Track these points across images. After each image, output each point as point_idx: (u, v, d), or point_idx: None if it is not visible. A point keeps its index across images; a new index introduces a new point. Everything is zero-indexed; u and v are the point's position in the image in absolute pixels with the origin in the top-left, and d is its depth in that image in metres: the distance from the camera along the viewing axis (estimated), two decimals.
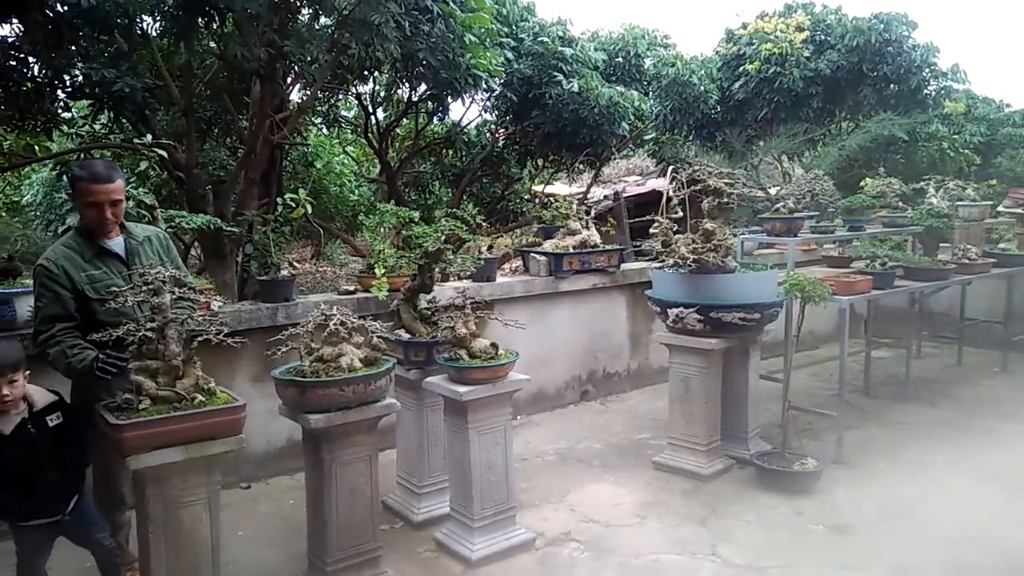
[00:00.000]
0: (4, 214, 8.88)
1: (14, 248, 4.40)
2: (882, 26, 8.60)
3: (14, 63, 5.30)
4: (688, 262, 4.67)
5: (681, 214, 6.91)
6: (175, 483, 2.83)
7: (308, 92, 7.03)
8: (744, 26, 9.28)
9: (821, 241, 6.78)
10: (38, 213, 9.87)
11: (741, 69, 8.93)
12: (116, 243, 3.27)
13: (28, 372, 3.00)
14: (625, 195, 9.99)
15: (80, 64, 5.05)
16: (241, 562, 3.79)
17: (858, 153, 8.77)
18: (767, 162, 9.53)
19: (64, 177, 7.21)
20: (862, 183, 7.12)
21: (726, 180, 4.83)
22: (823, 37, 9.05)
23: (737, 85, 8.98)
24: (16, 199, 10.08)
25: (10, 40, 5.20)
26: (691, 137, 9.86)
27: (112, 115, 5.40)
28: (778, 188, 8.01)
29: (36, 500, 3.03)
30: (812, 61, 8.73)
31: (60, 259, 3.13)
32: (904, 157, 9.38)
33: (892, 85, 8.84)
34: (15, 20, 4.84)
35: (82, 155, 7.43)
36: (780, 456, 4.80)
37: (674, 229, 5.07)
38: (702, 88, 8.90)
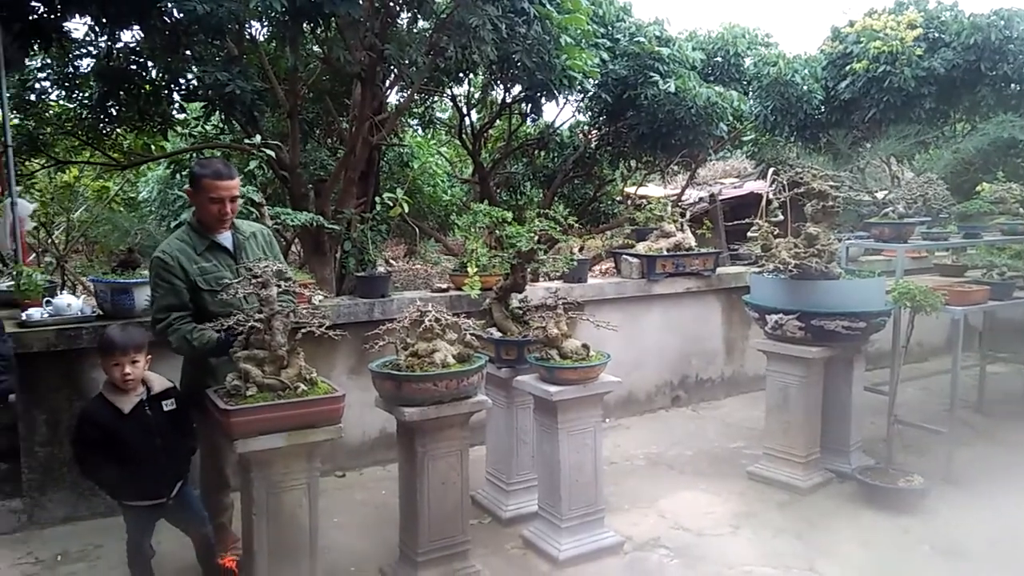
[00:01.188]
0: (122, 209, 9.44)
1: (133, 241, 4.66)
2: (1003, 22, 8.09)
3: (134, 67, 5.67)
4: (789, 267, 4.51)
5: (782, 217, 6.70)
6: (278, 468, 2.94)
7: (405, 94, 7.20)
8: (851, 24, 8.90)
9: (933, 248, 6.43)
10: (153, 208, 10.48)
11: (848, 68, 8.57)
12: (225, 237, 3.43)
13: (150, 356, 3.19)
14: (721, 197, 9.77)
15: (194, 68, 5.33)
16: (335, 548, 3.90)
17: (974, 156, 8.27)
18: (874, 165, 9.12)
19: (178, 175, 7.64)
20: (978, 188, 6.70)
21: (831, 183, 4.64)
22: (937, 34, 8.58)
23: (843, 85, 8.62)
24: (133, 195, 10.72)
25: (131, 45, 5.56)
26: (793, 138, 9.54)
27: (223, 116, 5.66)
28: (886, 192, 7.64)
29: (145, 482, 3.18)
30: (925, 59, 8.29)
31: (175, 252, 3.29)
32: None
33: (1013, 85, 8.29)
34: (136, 26, 5.15)
35: (195, 154, 7.85)
36: (884, 472, 4.57)
37: (775, 233, 4.92)
38: (805, 88, 8.60)
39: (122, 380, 3.08)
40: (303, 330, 3.04)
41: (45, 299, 4.22)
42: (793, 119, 8.91)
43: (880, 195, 7.82)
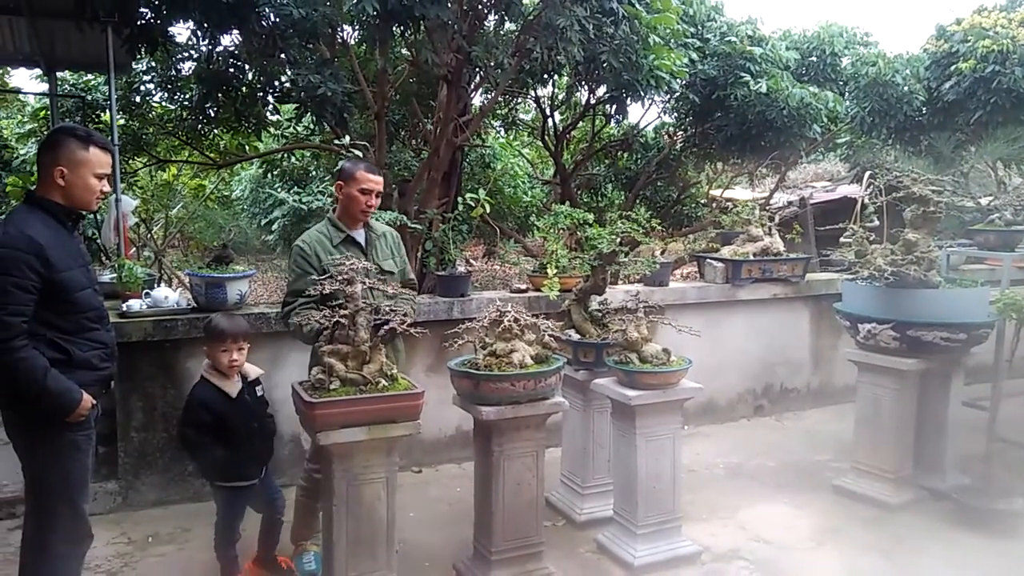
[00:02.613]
0: (216, 207, 9.88)
1: (227, 237, 4.86)
2: None
3: (232, 70, 5.91)
4: (885, 274, 4.32)
5: (877, 223, 6.41)
6: (358, 461, 3.01)
7: (490, 96, 7.24)
8: (959, 22, 8.44)
9: None
10: (245, 207, 10.94)
11: (953, 68, 8.12)
12: (359, 234, 3.69)
13: (249, 345, 3.39)
14: (812, 201, 9.45)
15: (288, 70, 5.51)
16: (411, 542, 3.97)
17: None
18: (979, 170, 8.62)
19: (269, 175, 7.93)
20: None
21: (932, 187, 4.42)
22: None
23: (947, 85, 8.17)
24: (227, 193, 11.21)
25: (230, 49, 5.79)
26: (891, 141, 9.11)
27: (314, 118, 5.84)
28: (991, 198, 7.22)
29: (243, 463, 3.37)
30: None
31: (313, 242, 3.56)
32: None
33: None
34: (235, 30, 5.36)
35: (287, 155, 8.13)
36: (982, 492, 4.32)
37: (870, 239, 4.72)
38: (906, 88, 8.21)
39: (228, 366, 3.31)
40: (386, 327, 3.10)
41: (144, 291, 4.46)
42: (892, 121, 8.50)
43: (985, 201, 7.40)
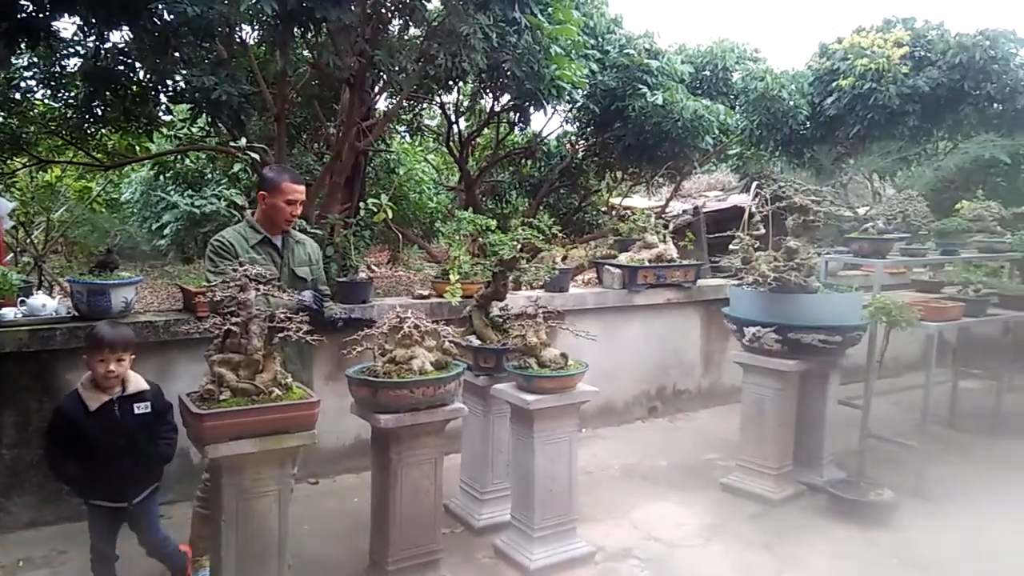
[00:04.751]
0: (104, 210, 9.40)
1: (112, 242, 4.65)
2: (988, 43, 8.20)
3: (122, 68, 5.65)
4: (768, 280, 4.57)
5: (763, 231, 6.75)
6: (249, 474, 2.94)
7: (394, 101, 7.20)
8: (839, 41, 9.00)
9: (911, 264, 6.50)
10: (135, 210, 10.43)
11: (834, 84, 8.66)
12: (276, 238, 3.78)
13: (133, 356, 3.22)
14: (705, 210, 9.82)
15: (183, 70, 5.33)
16: (306, 555, 3.91)
17: (955, 174, 8.38)
18: (857, 181, 9.21)
19: (161, 177, 7.60)
20: (958, 206, 6.79)
21: (812, 197, 4.70)
22: (923, 53, 8.69)
23: (829, 101, 8.70)
24: (115, 196, 10.67)
25: (120, 46, 5.54)
26: (778, 153, 9.62)
27: (210, 119, 5.66)
28: (867, 208, 7.72)
29: (107, 482, 3.17)
30: (910, 78, 8.39)
31: (230, 238, 3.64)
32: (1006, 180, 8.90)
33: (996, 105, 8.40)
34: (125, 27, 5.14)
35: (180, 156, 7.82)
36: (855, 485, 4.62)
37: (755, 246, 4.97)
38: (792, 103, 8.67)
39: (104, 376, 3.12)
40: (280, 335, 3.04)
41: (20, 299, 4.21)
42: (778, 134, 8.98)
43: (861, 211, 7.90)
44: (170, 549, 3.47)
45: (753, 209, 7.99)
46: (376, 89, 6.77)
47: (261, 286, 3.05)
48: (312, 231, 5.51)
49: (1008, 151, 8.14)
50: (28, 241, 8.18)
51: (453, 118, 8.86)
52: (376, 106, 7.56)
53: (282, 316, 3.00)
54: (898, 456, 5.28)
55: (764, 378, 4.78)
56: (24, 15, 4.78)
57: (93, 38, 5.35)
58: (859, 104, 8.46)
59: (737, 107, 9.10)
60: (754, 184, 9.30)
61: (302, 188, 3.76)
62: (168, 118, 7.13)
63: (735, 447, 5.10)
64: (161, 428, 3.27)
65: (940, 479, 5.03)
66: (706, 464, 5.46)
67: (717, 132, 8.25)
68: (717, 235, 8.97)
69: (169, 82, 5.63)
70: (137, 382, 3.22)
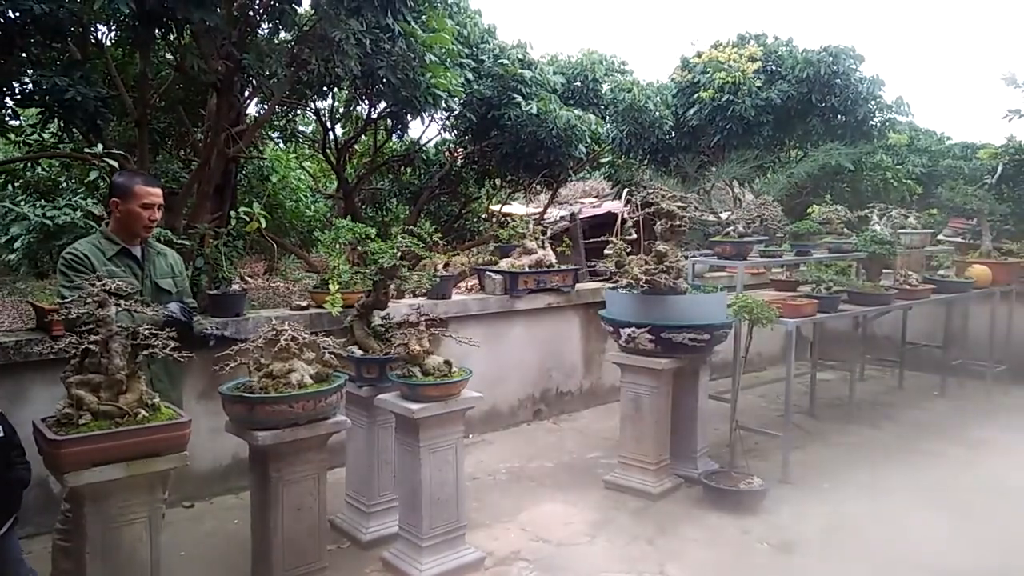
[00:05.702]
0: None
1: None
2: (831, 59, 8.88)
3: None
4: (641, 283, 4.75)
5: (635, 236, 7.03)
6: (115, 501, 2.76)
7: (266, 106, 6.99)
8: (699, 55, 9.49)
9: (769, 265, 6.94)
10: None
11: (695, 96, 9.13)
12: (135, 249, 3.56)
13: None
14: (581, 216, 10.09)
15: (30, 71, 4.95)
16: None
17: (806, 181, 9.01)
18: (719, 187, 9.73)
19: (10, 186, 7.02)
20: (809, 210, 7.32)
21: (678, 203, 4.93)
22: (774, 68, 9.31)
23: (691, 112, 9.17)
24: None
25: None
26: (646, 161, 10.03)
27: (62, 124, 5.29)
28: (729, 213, 8.19)
29: None
30: (763, 91, 8.96)
31: (85, 250, 3.40)
32: (850, 185, 9.67)
33: (839, 116, 9.11)
34: None
35: (30, 164, 7.26)
36: (727, 475, 4.88)
37: (628, 250, 5.15)
38: (657, 114, 9.08)
39: None
40: (144, 352, 2.88)
41: None
42: (646, 143, 9.37)
43: (724, 216, 8.37)
44: None
45: (625, 215, 8.30)
46: (246, 94, 6.54)
47: (122, 301, 2.88)
48: (180, 242, 5.25)
49: (851, 159, 8.85)
50: None
51: (329, 125, 8.70)
52: (247, 111, 7.31)
53: (146, 332, 2.84)
54: (765, 445, 5.63)
55: (640, 377, 4.97)
56: None
57: None
58: (718, 115, 8.96)
59: (607, 117, 9.43)
60: (625, 191, 9.65)
61: (158, 191, 3.56)
62: (15, 123, 6.61)
63: (617, 445, 5.26)
64: (12, 452, 3.01)
65: (804, 465, 5.40)
66: (590, 463, 5.60)
67: (589, 141, 8.52)
68: (593, 240, 9.26)
69: (15, 84, 5.22)
70: None
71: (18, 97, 5.35)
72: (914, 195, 10.23)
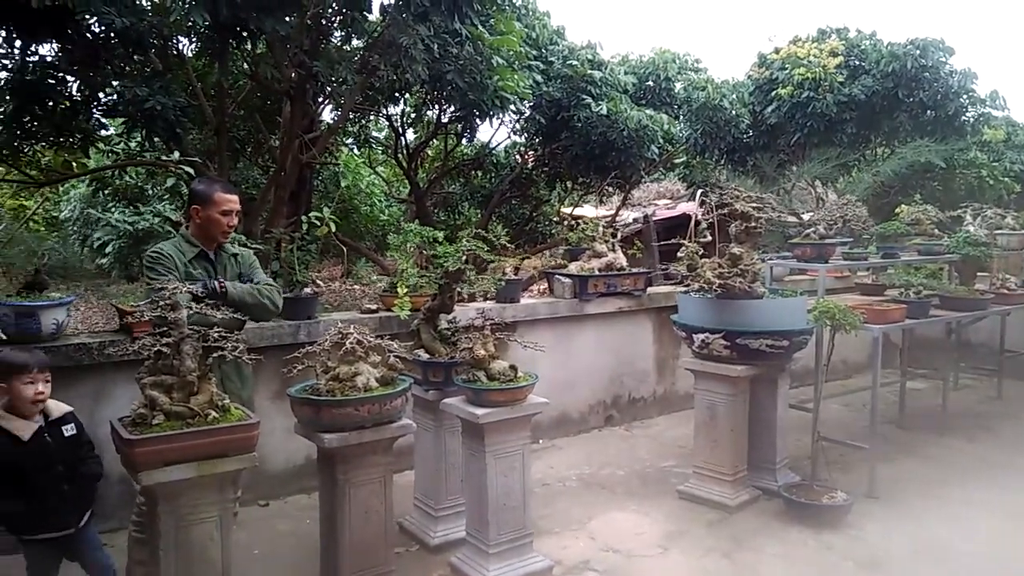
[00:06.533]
0: (43, 228, 9.08)
1: (41, 262, 4.45)
2: (918, 52, 8.47)
3: (52, 82, 5.44)
4: (714, 287, 4.58)
5: (709, 238, 6.82)
6: (186, 500, 2.80)
7: (339, 113, 7.10)
8: (777, 51, 9.21)
9: (854, 268, 6.63)
10: (75, 228, 10.10)
11: (773, 93, 8.85)
12: (211, 252, 3.66)
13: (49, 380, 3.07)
14: (655, 218, 9.91)
15: (115, 83, 5.15)
16: None
17: (893, 179, 8.61)
18: (801, 187, 9.40)
19: (100, 194, 7.35)
20: (897, 210, 6.97)
21: (754, 204, 4.74)
22: (857, 62, 8.94)
23: (769, 109, 8.89)
24: (56, 214, 10.31)
25: (48, 59, 5.34)
26: (722, 161, 9.78)
27: (145, 133, 5.49)
28: (811, 214, 7.88)
29: (49, 512, 3.03)
30: (846, 86, 8.62)
31: (169, 249, 3.52)
32: (941, 184, 9.19)
33: (928, 111, 8.68)
34: (53, 40, 4.95)
35: (118, 172, 7.58)
36: (809, 488, 4.65)
37: (701, 253, 4.99)
38: (733, 112, 8.83)
39: (33, 399, 2.98)
40: (215, 354, 2.92)
41: None
42: (722, 142, 9.13)
43: (806, 216, 8.06)
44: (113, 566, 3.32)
45: (699, 217, 8.09)
46: (319, 101, 6.66)
47: (195, 304, 2.93)
48: (255, 246, 5.37)
49: (942, 156, 8.40)
50: None
51: (400, 130, 8.79)
52: (321, 118, 7.45)
53: (216, 335, 2.88)
54: (849, 458, 5.34)
55: (715, 384, 4.79)
56: None
57: (18, 51, 5.15)
58: (798, 112, 8.66)
59: (680, 117, 9.23)
60: (698, 192, 9.43)
61: (235, 197, 3.66)
62: (109, 132, 6.92)
63: (691, 453, 5.09)
64: (83, 448, 3.16)
65: (891, 479, 5.10)
66: (664, 471, 5.45)
67: (662, 141, 8.34)
68: (667, 242, 9.06)
69: (102, 95, 5.45)
70: (57, 405, 3.11)
71: (104, 108, 5.59)
72: (1012, 194, 9.64)
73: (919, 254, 6.23)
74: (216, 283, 3.42)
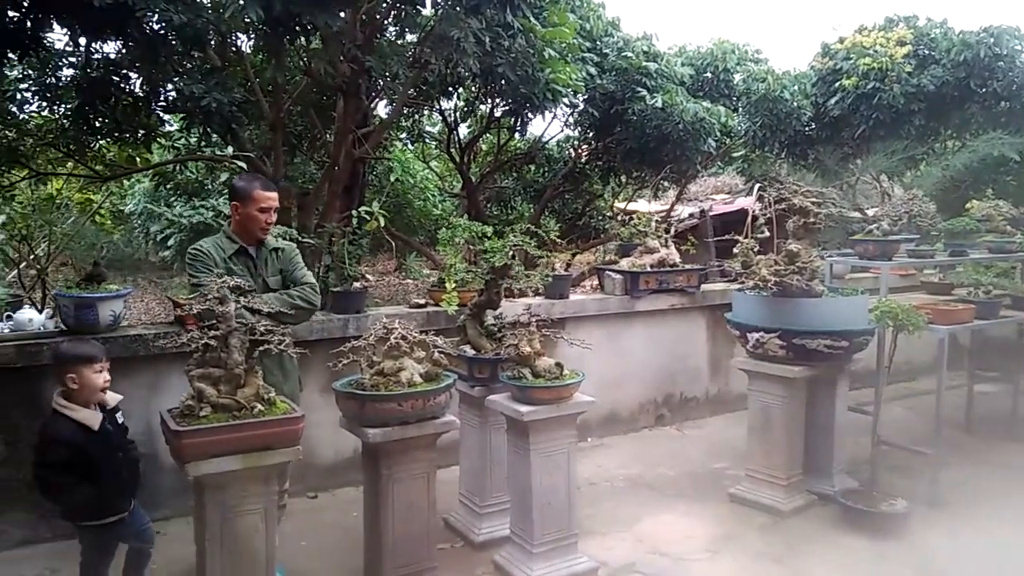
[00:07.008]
0: (109, 222, 9.39)
1: (100, 255, 4.57)
2: (992, 40, 8.05)
3: (115, 79, 5.60)
4: (769, 284, 4.44)
5: (767, 234, 6.63)
6: (232, 492, 2.83)
7: (392, 107, 7.13)
8: (841, 40, 8.87)
9: (919, 266, 6.35)
10: (139, 221, 10.43)
11: (837, 84, 8.52)
12: (252, 248, 3.71)
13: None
14: (712, 213, 9.69)
15: (174, 79, 5.27)
16: (301, 571, 3.81)
17: (964, 173, 8.21)
18: (865, 182, 9.06)
19: (161, 188, 7.56)
20: (967, 205, 6.65)
21: (813, 199, 4.58)
22: (927, 52, 8.54)
23: (832, 101, 8.57)
24: (122, 208, 10.64)
25: (112, 57, 5.50)
26: (782, 155, 9.49)
27: (202, 129, 5.60)
28: (876, 209, 7.59)
29: (110, 498, 3.14)
30: (914, 76, 8.25)
31: (208, 247, 3.59)
32: (1016, 179, 8.72)
33: (1003, 102, 8.24)
34: (116, 38, 5.08)
35: (180, 167, 7.77)
36: (867, 495, 4.47)
37: (757, 249, 4.84)
38: (794, 104, 8.55)
39: (103, 388, 3.11)
40: (261, 347, 2.94)
41: (6, 314, 4.13)
42: (782, 135, 8.85)
43: (871, 212, 7.77)
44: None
45: (757, 212, 7.87)
46: (372, 96, 6.69)
47: (241, 298, 2.96)
48: (308, 240, 5.44)
49: (1017, 149, 7.97)
50: (31, 255, 8.12)
51: (453, 124, 8.79)
52: (375, 113, 7.49)
53: (262, 329, 2.91)
54: (912, 463, 5.11)
55: (770, 385, 4.65)
56: (12, 25, 4.73)
57: (83, 48, 5.31)
58: (863, 104, 8.33)
59: (739, 109, 8.99)
60: (756, 187, 9.18)
61: (274, 195, 3.70)
62: (168, 128, 7.10)
63: (744, 456, 4.95)
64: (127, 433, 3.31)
65: (956, 487, 4.88)
66: (715, 473, 5.32)
67: (719, 134, 8.15)
68: (724, 238, 8.86)
69: (162, 91, 5.58)
70: (112, 395, 3.24)
71: (164, 104, 5.73)
72: None
73: (990, 252, 5.92)
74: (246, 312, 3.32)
